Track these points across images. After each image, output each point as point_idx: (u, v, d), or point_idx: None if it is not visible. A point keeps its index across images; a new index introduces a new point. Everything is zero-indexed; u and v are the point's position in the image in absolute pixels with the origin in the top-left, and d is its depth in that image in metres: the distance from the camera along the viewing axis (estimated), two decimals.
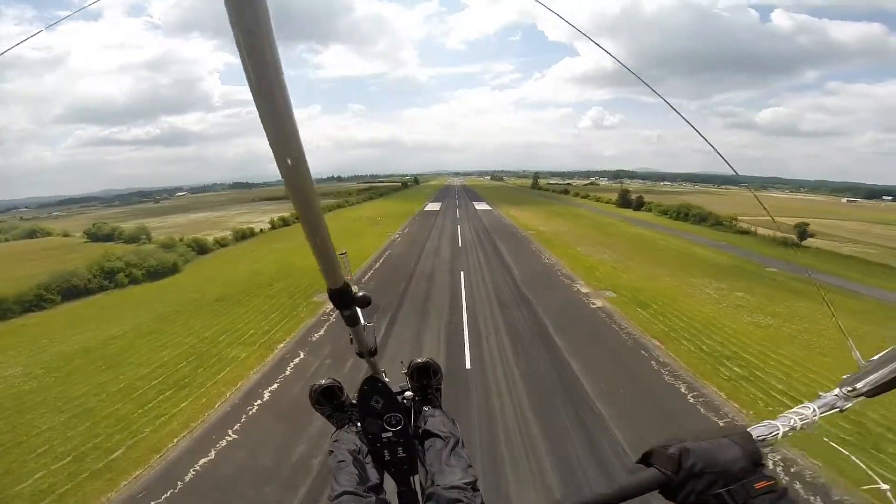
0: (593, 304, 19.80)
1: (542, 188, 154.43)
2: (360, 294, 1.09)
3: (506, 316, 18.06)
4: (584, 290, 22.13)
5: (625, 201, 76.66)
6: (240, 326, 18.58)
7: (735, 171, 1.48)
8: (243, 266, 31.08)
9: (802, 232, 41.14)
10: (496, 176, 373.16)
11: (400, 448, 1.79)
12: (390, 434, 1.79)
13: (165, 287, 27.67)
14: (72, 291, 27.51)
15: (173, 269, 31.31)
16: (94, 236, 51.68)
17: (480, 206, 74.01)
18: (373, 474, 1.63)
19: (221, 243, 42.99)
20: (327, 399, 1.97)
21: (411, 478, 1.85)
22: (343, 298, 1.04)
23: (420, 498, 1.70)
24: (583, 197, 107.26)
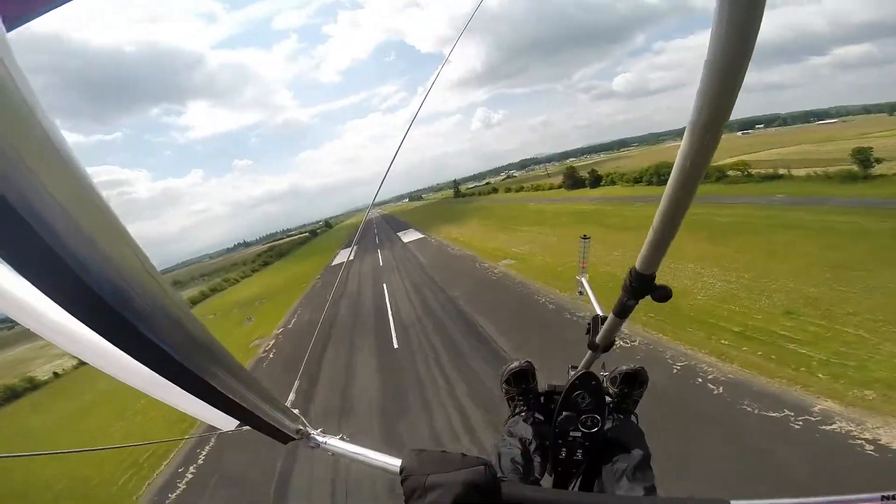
0: None
1: (464, 194, 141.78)
2: (661, 285, 1.06)
3: None
4: None
5: (574, 181, 63.39)
6: None
7: None
8: None
9: (866, 159, 28.64)
10: (414, 196, 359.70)
11: (580, 450, 1.58)
12: (579, 434, 1.58)
13: None
14: None
15: None
16: None
17: (410, 238, 54.35)
18: (538, 471, 1.51)
19: None
20: (517, 381, 1.87)
21: (571, 483, 1.62)
22: (645, 287, 1.05)
23: None
24: (516, 191, 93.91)
